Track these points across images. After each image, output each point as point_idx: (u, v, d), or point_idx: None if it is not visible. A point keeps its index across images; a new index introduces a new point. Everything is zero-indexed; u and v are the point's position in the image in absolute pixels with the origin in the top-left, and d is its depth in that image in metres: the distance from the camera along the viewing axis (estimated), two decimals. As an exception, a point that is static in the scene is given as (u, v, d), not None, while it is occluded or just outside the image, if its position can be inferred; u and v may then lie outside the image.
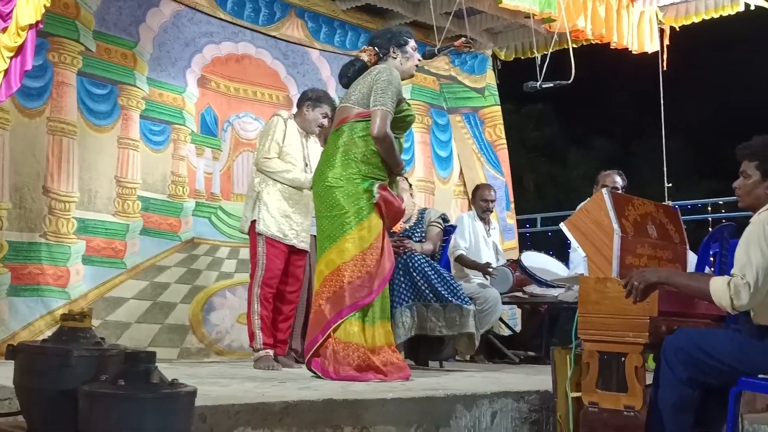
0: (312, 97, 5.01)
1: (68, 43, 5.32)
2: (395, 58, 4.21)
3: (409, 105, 4.26)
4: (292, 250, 4.87)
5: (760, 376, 2.91)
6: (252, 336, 4.74)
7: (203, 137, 6.03)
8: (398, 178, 4.85)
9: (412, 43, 4.29)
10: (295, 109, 5.27)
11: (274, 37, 6.54)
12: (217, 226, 5.96)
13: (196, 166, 5.96)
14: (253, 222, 4.80)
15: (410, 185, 5.69)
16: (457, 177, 7.72)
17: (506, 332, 6.69)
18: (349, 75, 4.20)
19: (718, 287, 2.90)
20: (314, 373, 3.93)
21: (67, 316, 1.97)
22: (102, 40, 5.52)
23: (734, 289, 2.86)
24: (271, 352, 4.72)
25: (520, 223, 8.19)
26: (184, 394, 1.81)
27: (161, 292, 5.53)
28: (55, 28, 5.24)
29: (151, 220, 5.64)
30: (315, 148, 5.05)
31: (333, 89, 6.27)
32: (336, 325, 3.88)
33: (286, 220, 4.81)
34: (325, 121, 4.98)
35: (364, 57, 4.21)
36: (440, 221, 5.52)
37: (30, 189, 5.05)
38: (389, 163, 4.10)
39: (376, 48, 4.22)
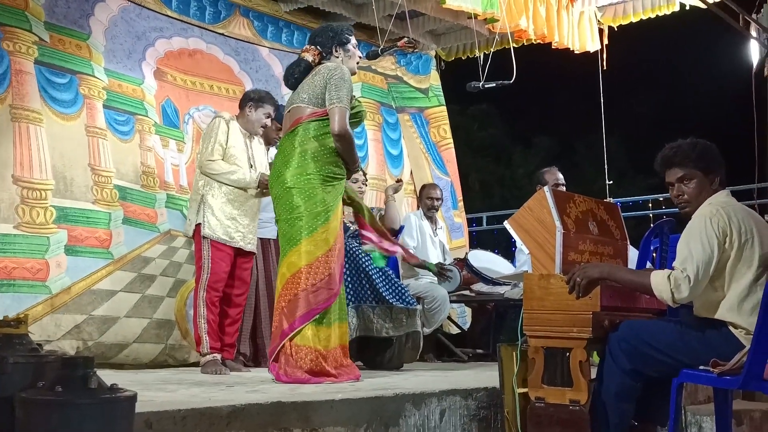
0: (254, 98, 4.98)
1: (21, 33, 5.20)
2: (338, 57, 4.21)
3: (359, 101, 4.27)
4: (239, 253, 4.84)
5: (701, 367, 2.98)
6: (199, 341, 4.69)
7: (166, 129, 5.92)
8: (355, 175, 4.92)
9: (353, 40, 4.30)
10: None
11: (222, 34, 6.51)
12: (190, 219, 5.85)
13: (163, 157, 5.83)
14: (198, 225, 4.76)
15: (365, 175, 5.69)
16: (408, 175, 7.74)
17: (455, 330, 6.73)
18: (296, 76, 4.17)
19: (659, 281, 2.96)
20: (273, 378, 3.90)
21: (2, 323, 1.93)
22: (54, 31, 5.41)
23: (674, 282, 2.92)
24: (218, 356, 4.68)
25: (467, 222, 8.23)
26: (124, 399, 1.78)
27: (149, 284, 5.35)
28: (6, 18, 5.14)
29: (129, 210, 5.46)
30: (259, 149, 5.03)
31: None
32: (296, 331, 3.87)
33: (232, 223, 4.78)
34: (268, 121, 4.96)
35: (308, 57, 4.19)
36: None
37: None
38: (347, 160, 4.10)
39: (318, 47, 4.21)
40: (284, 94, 5.26)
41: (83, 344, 4.93)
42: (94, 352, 4.92)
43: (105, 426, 1.72)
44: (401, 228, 5.95)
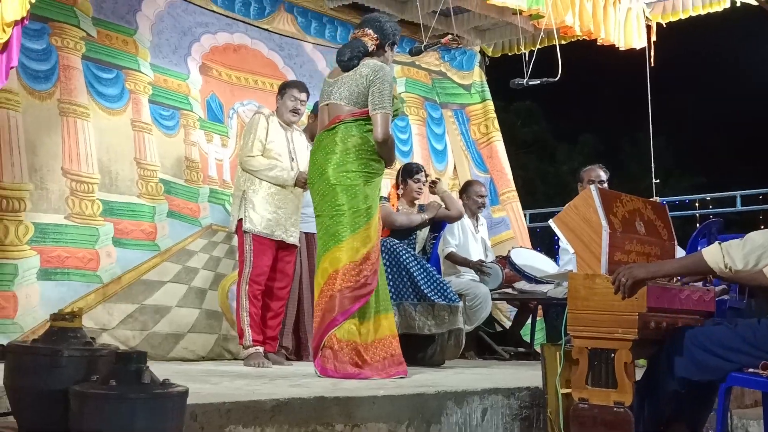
0: (279, 89, 5.12)
1: (69, 29, 5.32)
2: (386, 53, 4.22)
3: (395, 97, 4.26)
4: (281, 246, 4.88)
5: (750, 370, 2.92)
6: (241, 333, 4.74)
7: (211, 124, 6.00)
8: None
9: (397, 46, 4.36)
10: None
11: (267, 30, 6.57)
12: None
13: (207, 152, 5.92)
14: (240, 221, 4.81)
15: (427, 176, 5.73)
16: (452, 171, 7.72)
17: (507, 324, 6.70)
18: (354, 62, 4.11)
19: (711, 250, 2.92)
20: (317, 372, 3.92)
21: (57, 316, 1.96)
22: (102, 26, 5.52)
23: (726, 248, 2.88)
24: (261, 349, 4.72)
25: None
26: (176, 394, 1.81)
27: (193, 276, 5.44)
28: (54, 13, 5.25)
29: (174, 204, 5.55)
30: (300, 142, 5.08)
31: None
32: (338, 326, 3.89)
33: (274, 216, 4.82)
34: (297, 104, 5.01)
35: (368, 44, 4.17)
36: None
37: (49, 170, 4.99)
38: (386, 160, 4.14)
39: (378, 36, 4.19)
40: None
41: (140, 334, 5.03)
42: (151, 342, 5.03)
43: (157, 420, 1.74)
44: (443, 224, 5.92)
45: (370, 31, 4.19)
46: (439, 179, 5.94)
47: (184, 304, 5.32)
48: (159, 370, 2.00)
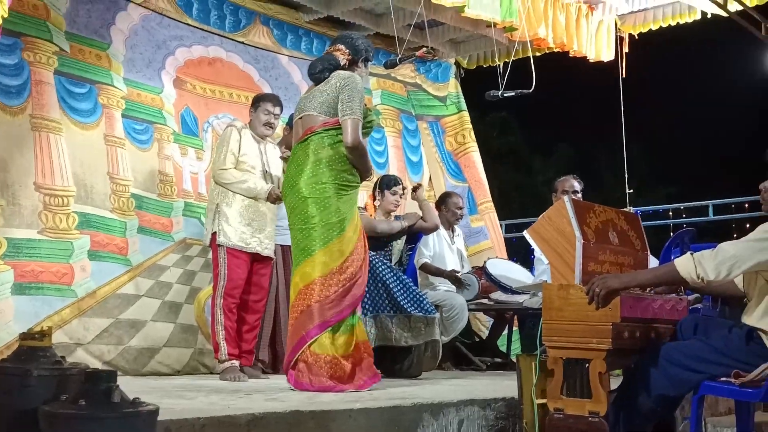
0: (253, 101, 5.11)
1: (42, 43, 5.28)
2: (359, 68, 4.23)
3: (370, 109, 4.27)
4: (256, 258, 4.86)
5: (723, 379, 2.95)
6: (217, 347, 4.72)
7: (185, 137, 5.98)
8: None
9: (371, 62, 4.36)
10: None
11: (242, 42, 6.56)
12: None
13: (182, 165, 5.90)
14: (214, 234, 4.79)
15: (404, 189, 5.72)
16: (427, 182, 7.74)
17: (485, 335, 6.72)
18: (326, 75, 4.12)
19: (683, 260, 2.96)
20: (291, 386, 3.90)
21: (26, 335, 1.95)
22: (75, 41, 5.49)
23: (698, 258, 2.91)
24: (236, 363, 4.70)
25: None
26: (146, 412, 1.80)
27: (167, 291, 5.42)
28: (27, 28, 5.22)
29: (144, 219, 5.53)
30: (274, 154, 5.07)
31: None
32: (312, 340, 3.87)
33: (248, 229, 4.81)
34: (270, 117, 5.01)
35: (340, 58, 4.19)
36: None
37: (21, 186, 4.95)
38: (360, 170, 4.11)
39: (350, 52, 4.21)
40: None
41: (115, 349, 4.99)
42: (126, 357, 5.00)
43: (127, 439, 1.73)
44: (419, 236, 5.93)
45: (342, 47, 4.21)
46: (420, 185, 5.94)
47: (159, 318, 5.30)
48: (133, 385, 2.00)
